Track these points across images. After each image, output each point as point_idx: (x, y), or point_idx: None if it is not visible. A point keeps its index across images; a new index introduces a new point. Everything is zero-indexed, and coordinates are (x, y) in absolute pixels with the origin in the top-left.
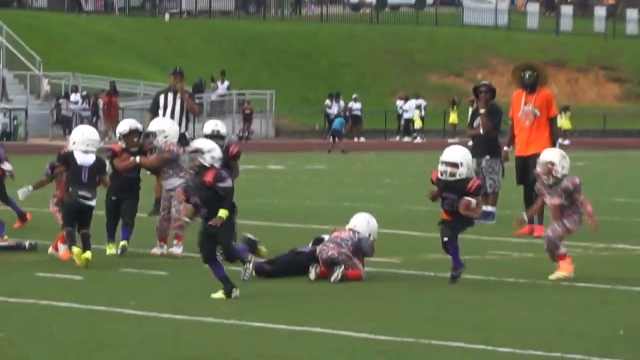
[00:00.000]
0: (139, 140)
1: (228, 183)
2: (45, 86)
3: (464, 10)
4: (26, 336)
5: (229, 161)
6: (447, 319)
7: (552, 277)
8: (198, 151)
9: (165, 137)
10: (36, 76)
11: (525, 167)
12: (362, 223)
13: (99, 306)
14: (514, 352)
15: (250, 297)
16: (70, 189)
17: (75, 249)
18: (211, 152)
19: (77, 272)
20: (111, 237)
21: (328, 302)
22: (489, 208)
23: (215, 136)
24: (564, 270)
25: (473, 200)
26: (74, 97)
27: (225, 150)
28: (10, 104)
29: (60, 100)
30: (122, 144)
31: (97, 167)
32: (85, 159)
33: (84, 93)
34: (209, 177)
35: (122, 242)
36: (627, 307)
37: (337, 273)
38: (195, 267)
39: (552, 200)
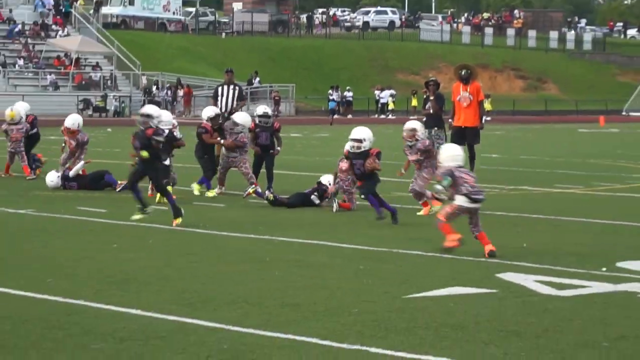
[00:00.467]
0: (220, 121)
1: (161, 138)
2: (143, 81)
3: (420, 31)
4: (132, 247)
5: (275, 133)
6: (409, 235)
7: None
8: (149, 116)
9: (242, 129)
10: (137, 74)
11: (462, 133)
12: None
13: (181, 227)
14: (455, 258)
15: (278, 222)
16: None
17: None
18: (159, 118)
19: (165, 205)
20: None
21: (329, 225)
22: None
23: (265, 116)
24: (425, 212)
25: (372, 158)
26: (161, 88)
27: (271, 125)
28: (119, 93)
29: (154, 91)
30: (209, 123)
31: (169, 139)
32: None
33: (167, 85)
34: (149, 132)
35: (197, 186)
36: (530, 229)
37: (334, 205)
38: (242, 202)
39: (411, 157)
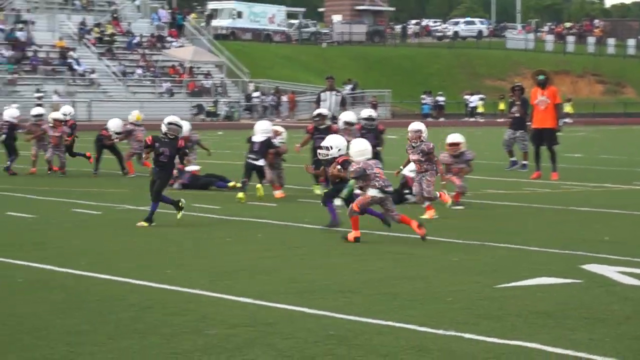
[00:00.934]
0: (323, 121)
1: (187, 150)
2: (251, 88)
3: (506, 39)
4: (242, 240)
5: (379, 134)
6: (496, 228)
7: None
8: (179, 126)
9: (352, 129)
10: (245, 82)
11: (540, 134)
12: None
13: (285, 222)
14: (540, 250)
15: (376, 218)
16: (247, 155)
17: (258, 186)
18: (183, 129)
19: (273, 202)
20: (317, 182)
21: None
22: (524, 161)
23: (369, 119)
24: (428, 215)
25: (337, 167)
26: (266, 95)
27: (375, 127)
28: (229, 98)
29: (261, 97)
30: (313, 123)
31: (266, 144)
32: (257, 138)
33: (272, 91)
34: (181, 142)
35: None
36: (612, 223)
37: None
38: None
39: (412, 157)
